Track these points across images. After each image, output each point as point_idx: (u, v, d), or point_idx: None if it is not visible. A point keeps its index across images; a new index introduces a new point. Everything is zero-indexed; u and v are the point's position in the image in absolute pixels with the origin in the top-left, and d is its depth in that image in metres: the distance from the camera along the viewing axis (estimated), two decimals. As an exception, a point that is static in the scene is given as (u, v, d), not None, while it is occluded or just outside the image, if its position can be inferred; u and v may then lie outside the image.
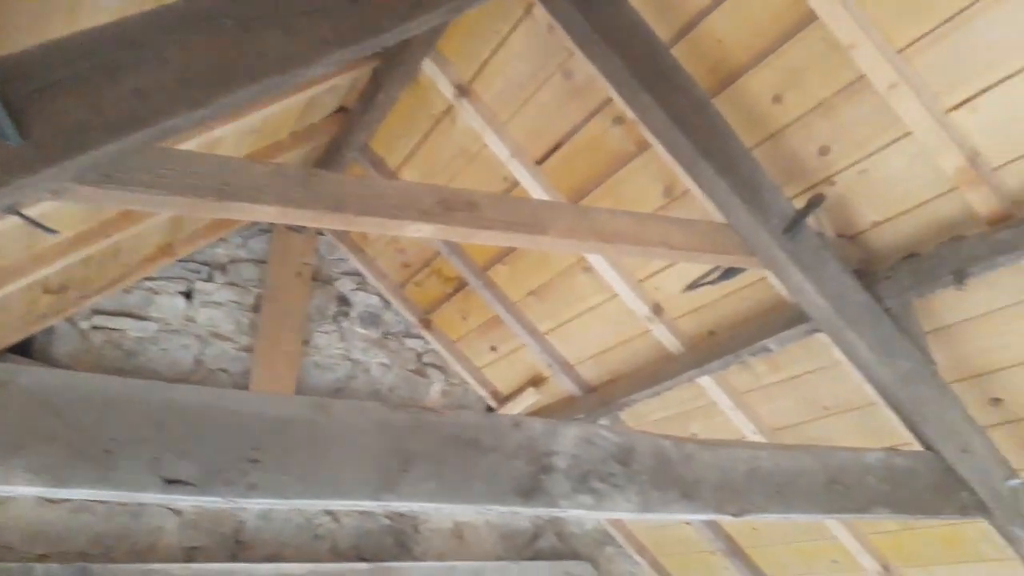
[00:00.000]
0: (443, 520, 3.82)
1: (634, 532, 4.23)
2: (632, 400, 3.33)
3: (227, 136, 2.67)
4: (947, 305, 2.39)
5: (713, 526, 3.71)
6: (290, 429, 1.26)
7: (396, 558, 3.60)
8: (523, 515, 4.03)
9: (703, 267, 2.59)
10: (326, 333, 3.83)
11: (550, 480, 1.54)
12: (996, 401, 2.50)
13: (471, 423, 1.49)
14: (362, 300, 3.99)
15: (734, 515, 1.74)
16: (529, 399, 3.85)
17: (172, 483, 1.12)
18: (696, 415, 3.39)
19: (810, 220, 2.23)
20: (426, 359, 4.10)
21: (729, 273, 2.37)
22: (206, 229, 3.50)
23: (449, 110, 3.03)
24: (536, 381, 3.88)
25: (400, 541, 3.68)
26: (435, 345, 4.08)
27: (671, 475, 1.69)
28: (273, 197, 1.46)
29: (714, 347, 2.95)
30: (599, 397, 3.55)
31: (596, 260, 3.04)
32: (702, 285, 2.44)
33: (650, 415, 3.57)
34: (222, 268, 3.66)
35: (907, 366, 2.19)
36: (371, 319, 3.97)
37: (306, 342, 3.76)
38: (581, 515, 1.58)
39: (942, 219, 2.24)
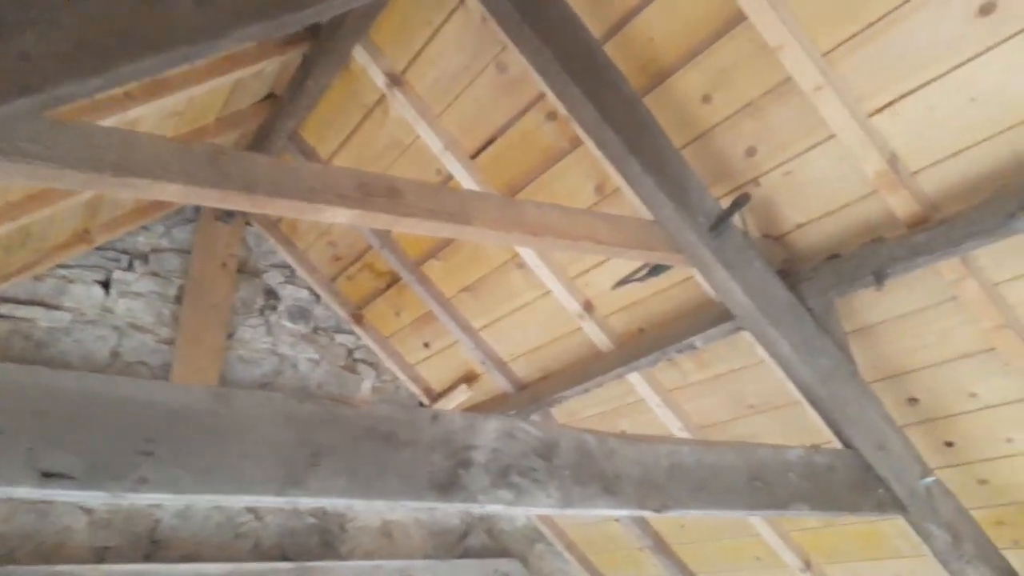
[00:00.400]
0: (371, 518, 3.75)
1: (564, 529, 4.22)
2: (563, 397, 3.32)
3: (147, 116, 2.56)
4: (867, 306, 2.44)
5: (641, 523, 3.73)
6: (187, 420, 1.19)
7: (322, 557, 3.52)
8: (447, 512, 3.98)
9: (633, 264, 2.60)
10: (252, 327, 3.72)
11: (468, 475, 1.51)
12: (913, 401, 2.57)
13: (386, 416, 1.44)
14: (291, 294, 3.89)
15: (656, 510, 1.74)
16: (461, 396, 3.81)
17: (50, 476, 1.04)
18: (625, 412, 3.40)
19: (736, 220, 2.24)
20: (357, 355, 4.02)
21: (657, 270, 2.38)
22: (126, 216, 3.36)
23: (381, 100, 2.97)
24: (469, 378, 3.85)
25: (326, 540, 3.60)
26: (367, 341, 4.00)
27: (593, 470, 1.67)
28: (177, 175, 1.38)
29: (643, 344, 2.96)
30: (531, 394, 3.54)
31: (529, 256, 3.02)
32: (631, 282, 2.44)
33: (581, 412, 3.57)
34: (143, 257, 3.51)
35: (828, 365, 2.23)
36: (300, 313, 3.87)
37: (231, 336, 3.64)
38: (500, 510, 1.55)
39: (863, 221, 2.29)
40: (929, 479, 2.29)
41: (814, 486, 2.08)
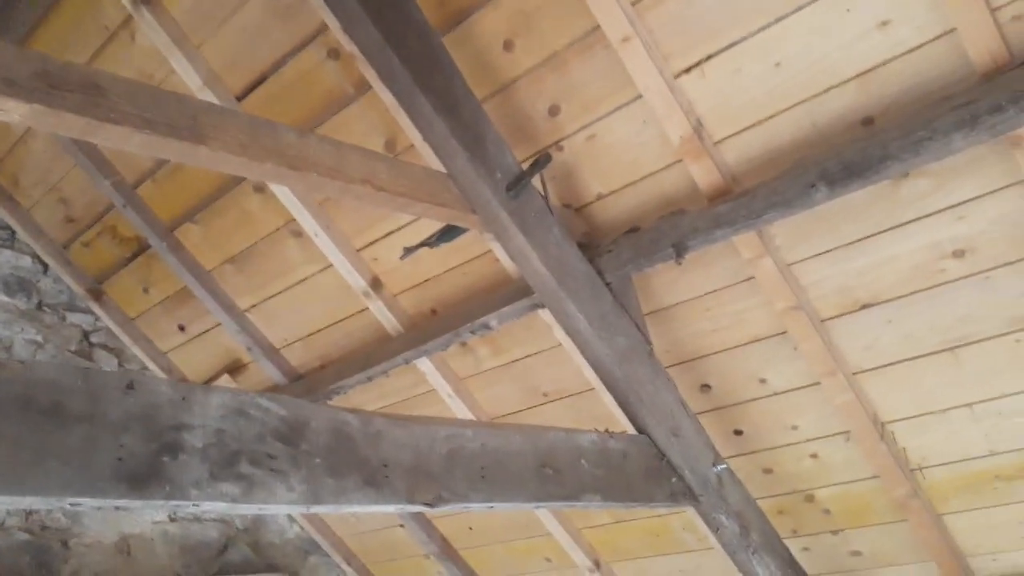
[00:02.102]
0: (104, 532, 3.13)
1: (343, 538, 3.83)
2: (342, 387, 2.94)
3: None
4: (665, 286, 2.32)
5: (427, 527, 3.43)
6: None
7: (33, 584, 2.87)
8: (203, 523, 3.46)
9: (427, 233, 2.29)
10: (-49, 299, 2.99)
11: (176, 464, 1.12)
12: (705, 387, 2.48)
13: (50, 381, 1.02)
14: (9, 261, 3.18)
15: (429, 504, 1.43)
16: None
17: None
18: (416, 404, 3.08)
19: (536, 184, 2.02)
20: (95, 339, 3.38)
21: (448, 234, 2.09)
22: None
23: (127, 22, 2.45)
24: (234, 367, 3.35)
25: (42, 560, 2.94)
26: (107, 322, 3.38)
27: (352, 457, 1.34)
28: None
29: (435, 327, 2.66)
30: (306, 385, 3.12)
31: (308, 222, 2.62)
32: (419, 247, 2.13)
33: (366, 405, 3.18)
34: None
35: (624, 344, 2.05)
36: (20, 285, 3.18)
37: (-81, 309, 2.90)
38: (222, 509, 1.17)
39: (665, 194, 2.15)
40: (720, 466, 2.19)
41: (607, 474, 1.89)
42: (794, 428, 2.42)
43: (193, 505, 1.14)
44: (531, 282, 1.99)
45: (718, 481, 2.17)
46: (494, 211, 1.86)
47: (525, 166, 2.05)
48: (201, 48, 2.41)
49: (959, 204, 1.88)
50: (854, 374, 2.24)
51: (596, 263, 2.12)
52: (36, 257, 3.25)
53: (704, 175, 2.03)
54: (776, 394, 2.39)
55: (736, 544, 2.19)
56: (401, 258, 2.25)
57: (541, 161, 1.98)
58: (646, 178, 2.15)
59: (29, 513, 2.95)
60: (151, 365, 3.47)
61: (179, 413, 1.15)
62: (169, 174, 2.81)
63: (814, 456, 2.45)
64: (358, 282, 2.72)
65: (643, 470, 2.02)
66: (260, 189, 2.68)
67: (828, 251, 2.07)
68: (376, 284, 2.73)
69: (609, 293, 2.08)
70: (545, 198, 1.99)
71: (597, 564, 3.10)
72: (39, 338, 3.19)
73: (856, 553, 2.57)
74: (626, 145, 2.11)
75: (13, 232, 3.20)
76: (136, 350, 3.44)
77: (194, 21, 2.37)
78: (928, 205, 1.91)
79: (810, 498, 2.54)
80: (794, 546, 2.57)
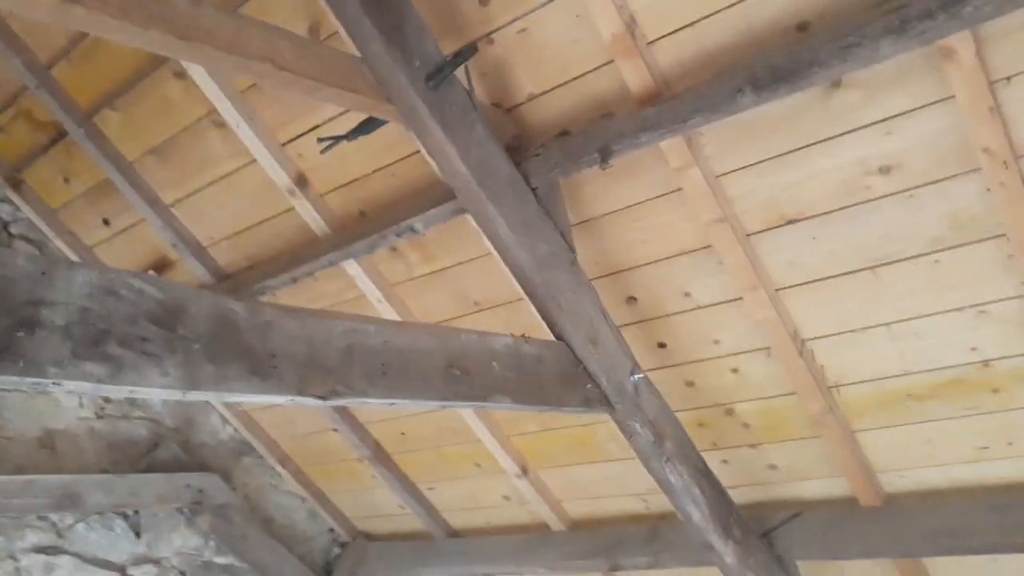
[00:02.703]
0: (27, 426, 3.09)
1: (277, 440, 3.83)
2: (267, 287, 2.87)
3: None
4: (596, 196, 2.27)
5: (360, 431, 3.44)
6: None
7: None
8: (129, 420, 3.42)
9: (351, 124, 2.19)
10: None
11: (33, 340, 1.06)
12: (631, 300, 2.47)
13: None
14: (-82, 143, 3.01)
15: (322, 397, 1.40)
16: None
17: None
18: (345, 309, 3.03)
19: (461, 77, 1.92)
20: (15, 230, 3.25)
21: (366, 127, 2.00)
22: None
23: None
24: (161, 265, 3.25)
25: (-43, 453, 2.90)
26: (28, 213, 3.24)
27: (236, 345, 1.29)
28: None
29: (363, 229, 2.59)
30: (232, 285, 3.05)
31: (229, 112, 2.50)
32: (336, 140, 2.04)
33: (294, 309, 3.14)
34: None
35: (546, 250, 2.01)
36: (-70, 170, 3.02)
37: None
38: (86, 389, 1.12)
39: (598, 96, 2.07)
40: (638, 375, 2.20)
41: (519, 377, 1.87)
42: (716, 342, 2.43)
43: (53, 384, 1.09)
44: (450, 181, 1.92)
45: (634, 391, 2.18)
46: (411, 102, 1.77)
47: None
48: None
49: (888, 119, 1.84)
50: (777, 290, 2.24)
51: (523, 167, 2.06)
52: (-53, 141, 3.07)
53: (636, 77, 1.96)
54: (700, 308, 2.39)
55: (650, 452, 2.22)
56: (322, 152, 2.16)
57: (465, 52, 1.88)
58: (579, 79, 2.07)
59: (-56, 404, 2.88)
60: (75, 259, 3.35)
61: (37, 288, 1.09)
62: (85, 54, 2.65)
63: (735, 371, 2.47)
64: (282, 179, 2.62)
65: (558, 376, 2.01)
66: (180, 75, 2.53)
67: (756, 163, 2.03)
68: (301, 181, 2.64)
69: (534, 198, 2.03)
70: (469, 93, 1.90)
71: (524, 470, 3.14)
72: (-50, 226, 3.05)
73: (772, 467, 2.64)
74: (559, 42, 2.02)
75: (-79, 112, 3.01)
76: (59, 243, 3.32)
77: None
78: (857, 118, 1.87)
79: (730, 412, 2.58)
80: (713, 459, 2.62)
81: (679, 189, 2.15)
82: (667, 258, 2.32)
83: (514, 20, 2.02)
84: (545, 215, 2.04)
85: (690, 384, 2.57)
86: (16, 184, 3.17)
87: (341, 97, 1.71)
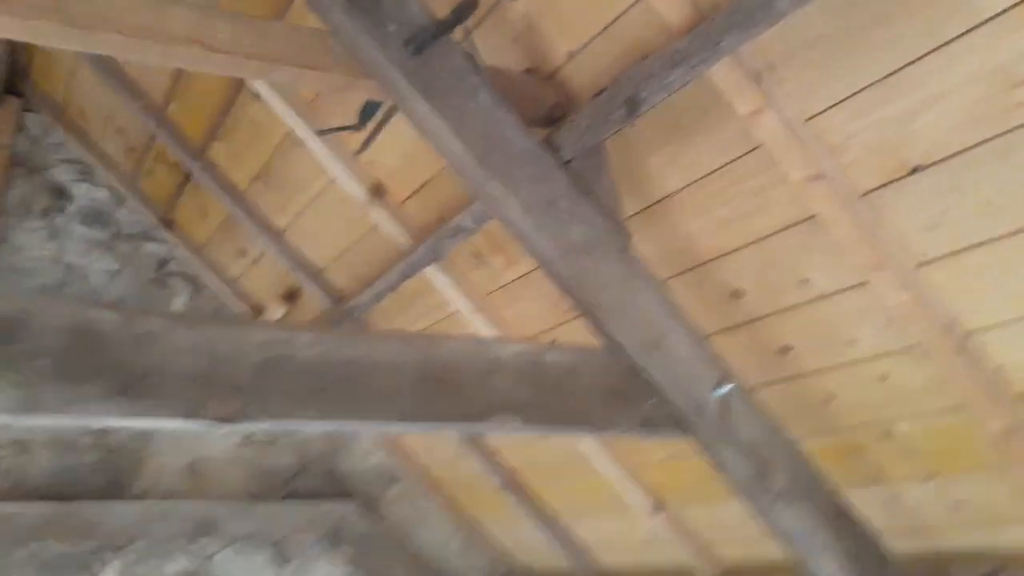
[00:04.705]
0: (176, 454, 3.24)
1: (428, 467, 3.70)
2: (360, 307, 2.75)
3: None
4: (663, 171, 1.85)
5: (489, 458, 3.20)
6: None
7: (106, 498, 3.03)
8: (285, 449, 3.47)
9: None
10: (31, 231, 3.18)
11: None
12: (738, 295, 1.98)
13: None
14: (87, 194, 3.33)
15: (224, 420, 1.18)
16: (277, 315, 3.25)
17: None
18: (443, 328, 2.83)
19: (461, 39, 1.63)
20: (173, 267, 3.47)
21: (368, 111, 1.78)
22: None
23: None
24: (293, 294, 3.28)
25: (114, 479, 3.10)
26: (182, 250, 3.44)
27: (99, 361, 1.11)
28: None
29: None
30: (349, 308, 2.97)
31: (299, 126, 2.43)
32: (340, 130, 1.85)
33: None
34: None
35: (582, 235, 1.64)
36: (97, 217, 3.32)
37: (3, 240, 3.10)
38: None
39: (635, 39, 1.67)
40: (725, 387, 1.72)
41: (536, 393, 1.52)
42: (852, 342, 1.87)
43: None
44: (449, 161, 1.63)
45: (721, 408, 1.71)
46: (386, 72, 1.52)
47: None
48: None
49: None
50: (919, 266, 1.65)
51: (553, 139, 1.71)
52: (113, 189, 3.36)
53: (671, 6, 1.53)
54: (822, 297, 1.84)
55: (750, 488, 1.72)
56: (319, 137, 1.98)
57: (462, 9, 1.59)
58: (615, 22, 1.69)
59: (104, 433, 3.10)
60: (225, 291, 3.50)
61: None
62: (187, 88, 2.73)
63: (883, 379, 1.88)
64: (359, 191, 2.49)
65: (603, 390, 1.62)
66: (256, 96, 2.51)
67: (851, 96, 1.51)
68: (378, 191, 2.48)
69: (564, 174, 1.67)
70: (471, 55, 1.61)
71: (660, 505, 2.70)
72: (115, 266, 3.32)
73: (955, 505, 1.96)
74: (586, -17, 1.66)
75: (89, 166, 3.32)
76: (210, 277, 3.48)
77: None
78: (985, 5, 1.29)
79: (887, 435, 1.97)
80: (867, 497, 2.02)
81: (760, 145, 1.66)
82: (769, 235, 1.83)
83: (532, -36, 1.70)
84: (581, 194, 1.67)
85: (829, 400, 2.00)
86: (168, 224, 3.39)
87: (302, 77, 1.51)
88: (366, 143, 1.98)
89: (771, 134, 1.60)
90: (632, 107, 1.52)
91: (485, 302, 2.60)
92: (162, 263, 3.46)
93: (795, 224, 1.76)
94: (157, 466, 3.20)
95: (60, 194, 3.28)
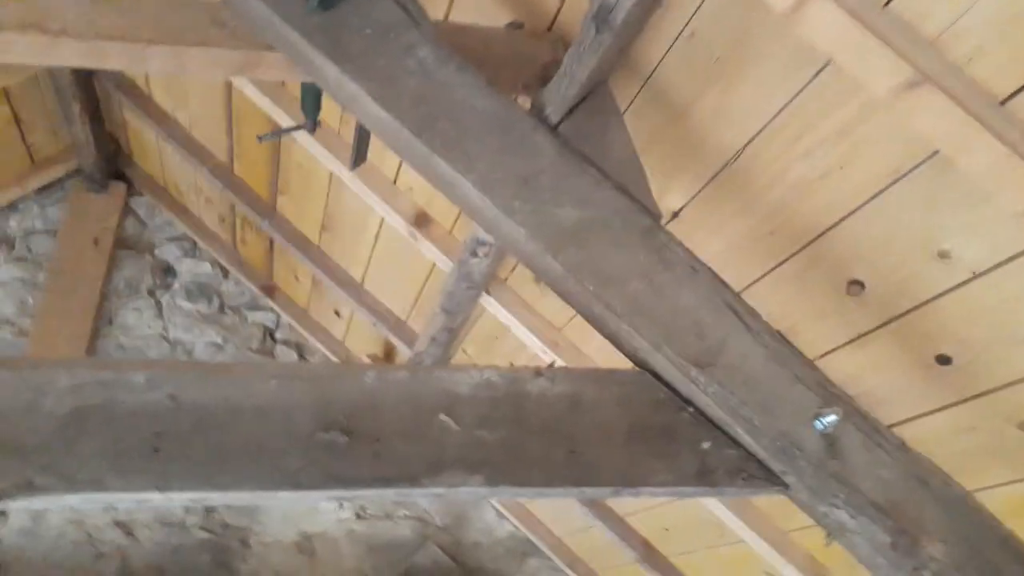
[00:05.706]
0: (284, 531, 3.04)
1: (562, 538, 3.23)
2: (429, 354, 2.41)
3: None
4: (713, 121, 1.34)
5: (619, 527, 2.68)
6: None
7: (215, 580, 2.88)
8: (401, 523, 3.17)
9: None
10: (138, 310, 3.20)
11: None
12: (855, 286, 1.40)
13: None
14: (190, 268, 3.32)
15: None
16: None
17: None
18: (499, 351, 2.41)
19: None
20: (280, 335, 3.36)
21: (307, 100, 1.45)
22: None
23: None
24: (389, 351, 3.03)
25: (222, 560, 2.95)
26: (287, 317, 3.32)
27: None
28: None
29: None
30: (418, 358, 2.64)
31: (330, 161, 2.19)
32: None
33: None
34: (10, 242, 3.12)
35: (575, 219, 1.18)
36: (200, 291, 3.29)
37: (110, 322, 3.14)
38: None
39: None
40: (828, 419, 1.14)
41: (506, 438, 1.06)
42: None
43: None
44: (377, 136, 1.25)
45: (826, 446, 1.13)
46: (282, 34, 1.19)
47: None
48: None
49: None
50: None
51: (539, 99, 1.29)
52: (216, 262, 3.33)
53: None
54: (976, 277, 1.22)
55: (884, 560, 1.11)
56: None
57: (394, -47, 1.24)
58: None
59: (209, 511, 2.97)
60: (332, 356, 3.31)
61: None
62: (239, 138, 2.61)
63: (1102, 392, 1.19)
64: (401, 224, 2.18)
65: (627, 429, 1.12)
66: (293, 137, 2.31)
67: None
68: (422, 221, 2.15)
69: (550, 142, 1.23)
70: (407, 5, 1.24)
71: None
72: (219, 340, 3.26)
73: None
74: None
75: (194, 242, 3.32)
76: (316, 342, 3.32)
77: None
78: None
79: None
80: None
81: (829, 62, 1.13)
82: (878, 194, 1.25)
83: None
84: (576, 162, 1.22)
85: (1017, 426, 1.33)
86: (270, 291, 3.29)
87: (180, 57, 1.22)
88: (355, 158, 1.66)
89: (826, 33, 1.05)
90: (600, 22, 1.06)
91: (558, 336, 2.15)
92: (269, 332, 3.36)
93: (909, 170, 1.17)
94: (264, 544, 3.01)
95: (166, 272, 3.30)
